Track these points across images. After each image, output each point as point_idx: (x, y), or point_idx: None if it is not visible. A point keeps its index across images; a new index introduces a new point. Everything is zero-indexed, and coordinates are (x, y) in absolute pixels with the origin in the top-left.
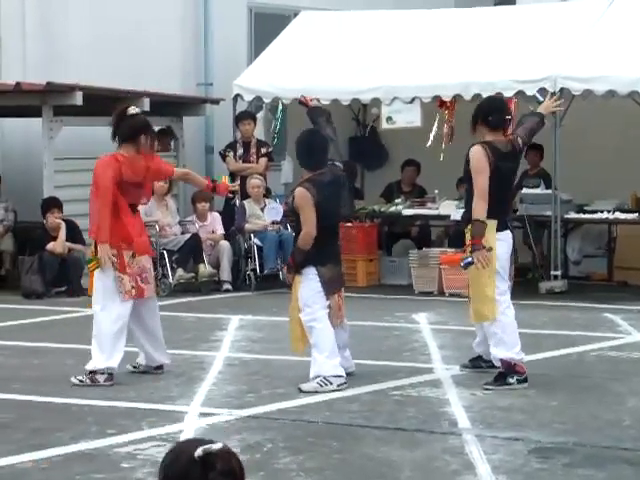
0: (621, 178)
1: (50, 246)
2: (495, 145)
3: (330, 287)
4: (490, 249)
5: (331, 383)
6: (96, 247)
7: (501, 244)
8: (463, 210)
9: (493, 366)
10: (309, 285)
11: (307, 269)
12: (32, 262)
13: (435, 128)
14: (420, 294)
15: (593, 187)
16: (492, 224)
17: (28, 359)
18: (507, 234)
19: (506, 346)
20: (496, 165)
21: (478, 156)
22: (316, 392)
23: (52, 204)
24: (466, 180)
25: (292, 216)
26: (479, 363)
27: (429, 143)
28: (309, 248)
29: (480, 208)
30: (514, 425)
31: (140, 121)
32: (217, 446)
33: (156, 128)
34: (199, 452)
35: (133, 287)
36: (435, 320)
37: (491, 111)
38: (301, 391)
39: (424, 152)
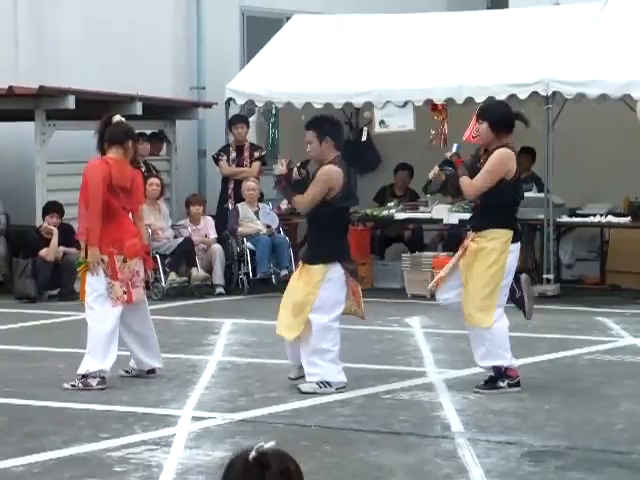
0: (613, 182)
1: (43, 252)
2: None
3: (352, 278)
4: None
5: (331, 386)
6: (87, 250)
7: (511, 256)
8: (471, 215)
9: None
10: (333, 287)
11: (332, 266)
12: (26, 265)
13: (433, 132)
14: (413, 298)
15: (585, 191)
16: (509, 234)
17: (21, 363)
18: (517, 246)
19: (492, 357)
20: (518, 172)
21: (506, 156)
22: (315, 393)
23: (53, 208)
24: None
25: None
26: None
27: (430, 147)
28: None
29: (472, 183)
30: (507, 429)
31: (129, 126)
32: (269, 445)
33: (148, 132)
34: (253, 454)
35: (125, 292)
36: (428, 324)
37: (508, 116)
38: (300, 391)
39: (417, 156)
